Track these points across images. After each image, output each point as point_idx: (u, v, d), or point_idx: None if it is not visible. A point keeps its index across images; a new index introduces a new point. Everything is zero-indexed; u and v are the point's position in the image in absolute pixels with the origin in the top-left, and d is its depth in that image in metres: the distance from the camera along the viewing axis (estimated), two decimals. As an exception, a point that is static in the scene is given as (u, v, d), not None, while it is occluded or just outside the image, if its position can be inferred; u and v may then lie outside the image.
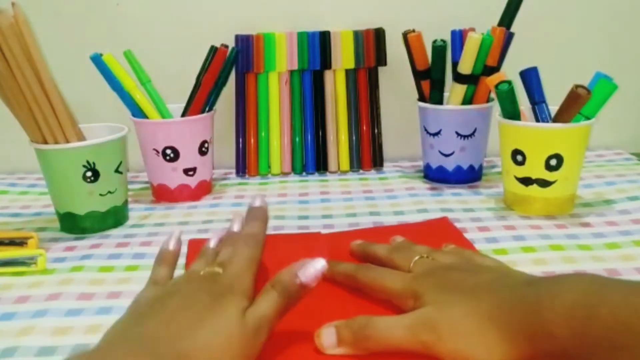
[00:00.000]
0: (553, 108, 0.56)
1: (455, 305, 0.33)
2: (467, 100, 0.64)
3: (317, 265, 0.33)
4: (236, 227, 0.43)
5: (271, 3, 0.74)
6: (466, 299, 0.33)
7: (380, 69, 0.75)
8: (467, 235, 0.51)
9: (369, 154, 0.74)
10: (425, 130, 0.66)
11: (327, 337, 0.34)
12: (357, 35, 0.72)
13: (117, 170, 0.56)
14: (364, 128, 0.74)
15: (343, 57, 0.72)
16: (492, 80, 0.55)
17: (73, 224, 0.56)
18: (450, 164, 0.66)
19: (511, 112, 0.55)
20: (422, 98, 0.67)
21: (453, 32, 0.65)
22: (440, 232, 0.52)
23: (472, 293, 0.33)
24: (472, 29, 0.64)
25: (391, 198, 0.63)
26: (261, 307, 0.33)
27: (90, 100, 0.71)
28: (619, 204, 0.58)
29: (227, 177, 0.74)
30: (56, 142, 0.54)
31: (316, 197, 0.64)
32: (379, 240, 0.46)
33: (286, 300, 0.33)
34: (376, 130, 0.74)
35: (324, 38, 0.72)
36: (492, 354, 0.30)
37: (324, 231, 0.54)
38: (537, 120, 0.58)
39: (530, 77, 0.58)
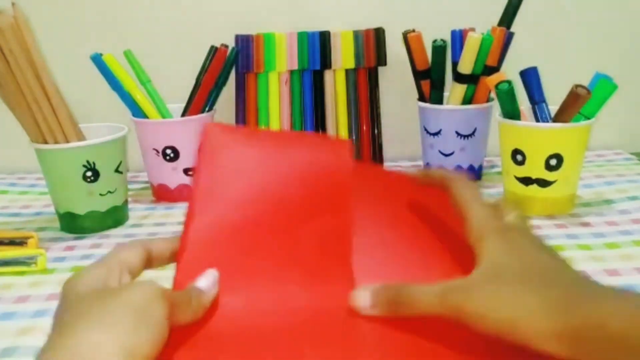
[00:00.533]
0: (553, 108, 0.56)
1: (504, 271, 0.31)
2: (467, 100, 0.64)
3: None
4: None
5: (271, 3, 0.74)
6: (522, 272, 0.30)
7: (380, 69, 0.75)
8: (467, 235, 0.51)
9: (369, 153, 0.74)
10: (425, 130, 0.66)
11: (362, 299, 0.33)
12: (357, 35, 0.72)
13: (117, 170, 0.57)
14: (364, 128, 0.74)
15: (343, 57, 0.72)
16: (492, 80, 0.55)
17: (73, 224, 0.56)
18: (450, 164, 0.66)
19: (511, 112, 0.55)
20: (422, 98, 0.67)
21: (453, 32, 0.65)
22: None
23: (532, 270, 0.31)
24: (472, 29, 0.64)
25: (391, 198, 0.63)
26: None
27: (90, 100, 0.71)
28: (619, 204, 0.58)
29: (227, 177, 0.74)
30: (56, 142, 0.54)
31: (316, 197, 0.64)
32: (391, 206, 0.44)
33: None
34: (376, 130, 0.74)
35: (324, 38, 0.72)
36: (530, 323, 0.28)
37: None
38: (537, 120, 0.58)
39: (530, 77, 0.58)
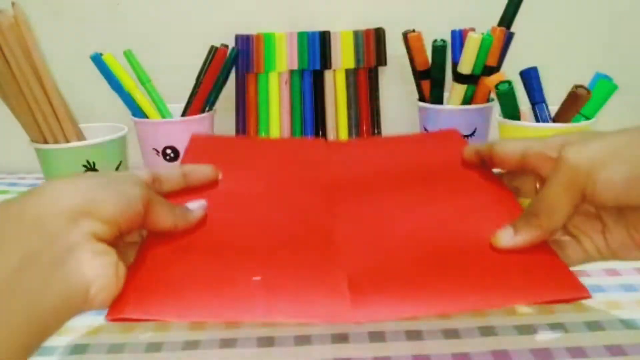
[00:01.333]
0: (553, 108, 0.56)
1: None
2: (467, 100, 0.64)
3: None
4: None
5: (271, 3, 0.74)
6: None
7: (380, 69, 0.75)
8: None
9: (369, 154, 0.74)
10: (425, 130, 0.66)
11: (505, 235, 0.32)
12: (357, 35, 0.72)
13: (117, 170, 0.56)
14: (364, 128, 0.74)
15: (343, 57, 0.72)
16: (492, 80, 0.55)
17: (73, 224, 0.56)
18: (450, 164, 0.66)
19: (511, 112, 0.55)
20: (422, 98, 0.67)
21: (453, 32, 0.65)
22: (447, 144, 0.48)
23: None
24: (472, 29, 0.64)
25: (391, 198, 0.63)
26: None
27: (90, 100, 0.71)
28: (619, 204, 0.58)
29: (227, 177, 0.74)
30: (56, 142, 0.54)
31: (316, 197, 0.64)
32: (382, 152, 0.45)
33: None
34: (376, 130, 0.74)
35: (324, 38, 0.72)
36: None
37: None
38: (537, 120, 0.58)
39: (530, 77, 0.58)
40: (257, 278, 0.29)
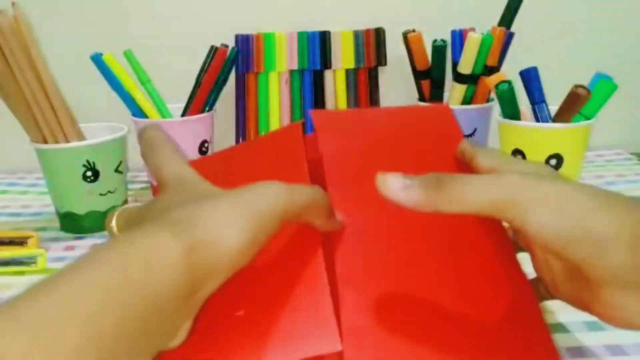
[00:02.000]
0: (553, 108, 0.56)
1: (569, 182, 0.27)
2: (467, 100, 0.64)
3: None
4: None
5: (271, 3, 0.74)
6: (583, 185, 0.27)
7: (380, 69, 0.75)
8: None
9: (369, 154, 0.74)
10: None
11: (394, 180, 0.28)
12: (357, 35, 0.72)
13: (117, 170, 0.56)
14: (364, 128, 0.74)
15: (343, 57, 0.72)
16: (492, 80, 0.55)
17: (73, 224, 0.56)
18: (450, 164, 0.66)
19: (511, 112, 0.55)
20: (422, 98, 0.67)
21: (453, 32, 0.65)
22: (435, 120, 0.45)
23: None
24: (472, 29, 0.64)
25: (391, 198, 0.63)
26: None
27: (90, 100, 0.71)
28: (619, 204, 0.58)
29: (227, 177, 0.74)
30: (56, 142, 0.54)
31: (316, 197, 0.64)
32: (376, 123, 0.42)
33: None
34: (376, 130, 0.74)
35: (324, 38, 0.72)
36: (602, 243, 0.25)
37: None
38: (537, 120, 0.58)
39: (530, 77, 0.58)
40: (240, 313, 0.28)
